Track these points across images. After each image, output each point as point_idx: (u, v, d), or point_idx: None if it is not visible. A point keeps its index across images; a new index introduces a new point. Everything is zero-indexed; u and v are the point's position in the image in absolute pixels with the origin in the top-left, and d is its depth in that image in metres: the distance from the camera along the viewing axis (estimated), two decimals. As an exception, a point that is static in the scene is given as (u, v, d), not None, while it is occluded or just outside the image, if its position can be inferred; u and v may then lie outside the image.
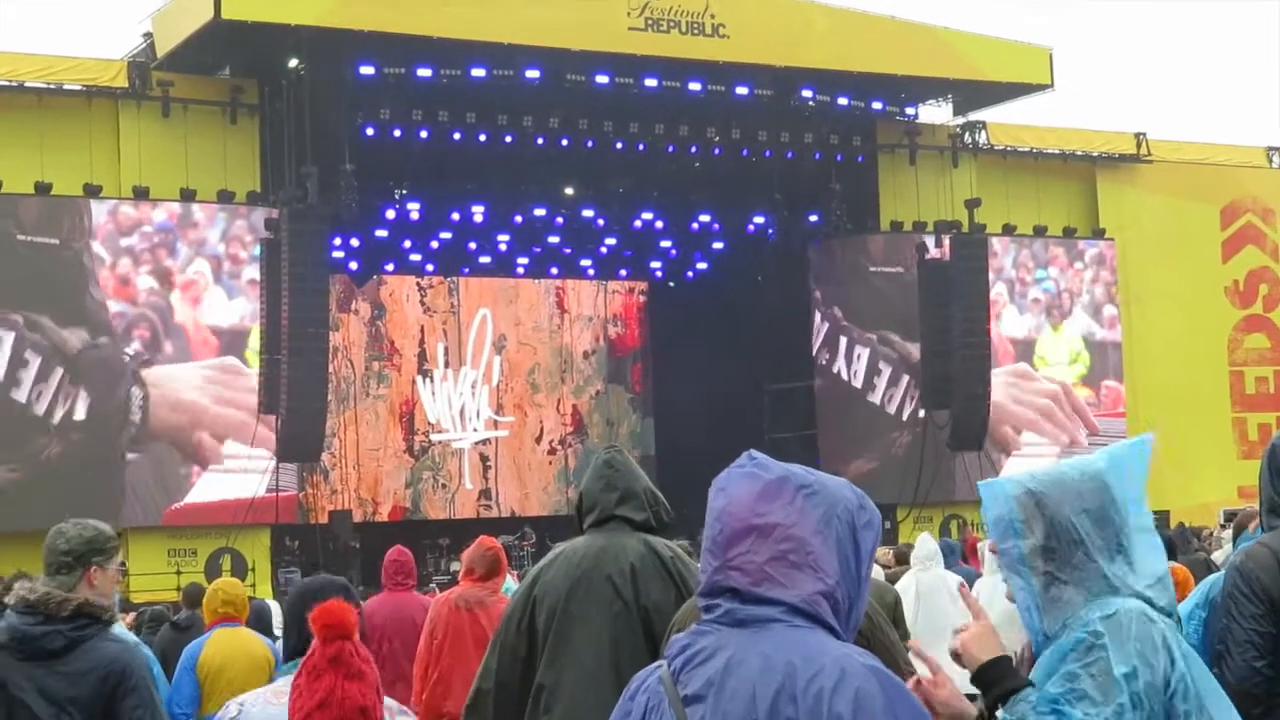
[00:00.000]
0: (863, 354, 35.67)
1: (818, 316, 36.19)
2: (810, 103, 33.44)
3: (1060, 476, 3.68)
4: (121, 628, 8.90)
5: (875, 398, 35.60)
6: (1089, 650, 3.52)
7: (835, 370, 35.98)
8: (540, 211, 35.73)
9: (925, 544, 13.56)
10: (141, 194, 29.63)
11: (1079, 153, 38.48)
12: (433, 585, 26.29)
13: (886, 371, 35.52)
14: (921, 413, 34.90)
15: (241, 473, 29.60)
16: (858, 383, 35.75)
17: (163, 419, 29.47)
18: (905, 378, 35.31)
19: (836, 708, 2.89)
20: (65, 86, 29.68)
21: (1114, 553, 3.63)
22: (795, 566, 2.99)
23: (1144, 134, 38.68)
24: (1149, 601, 3.60)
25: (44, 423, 28.56)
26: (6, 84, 29.16)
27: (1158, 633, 3.56)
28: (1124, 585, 3.60)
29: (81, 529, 5.92)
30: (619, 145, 33.10)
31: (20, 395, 28.39)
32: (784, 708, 2.89)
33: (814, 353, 36.22)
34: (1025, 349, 37.11)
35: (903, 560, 15.29)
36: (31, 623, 5.62)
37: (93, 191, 29.22)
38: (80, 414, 28.79)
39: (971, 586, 12.86)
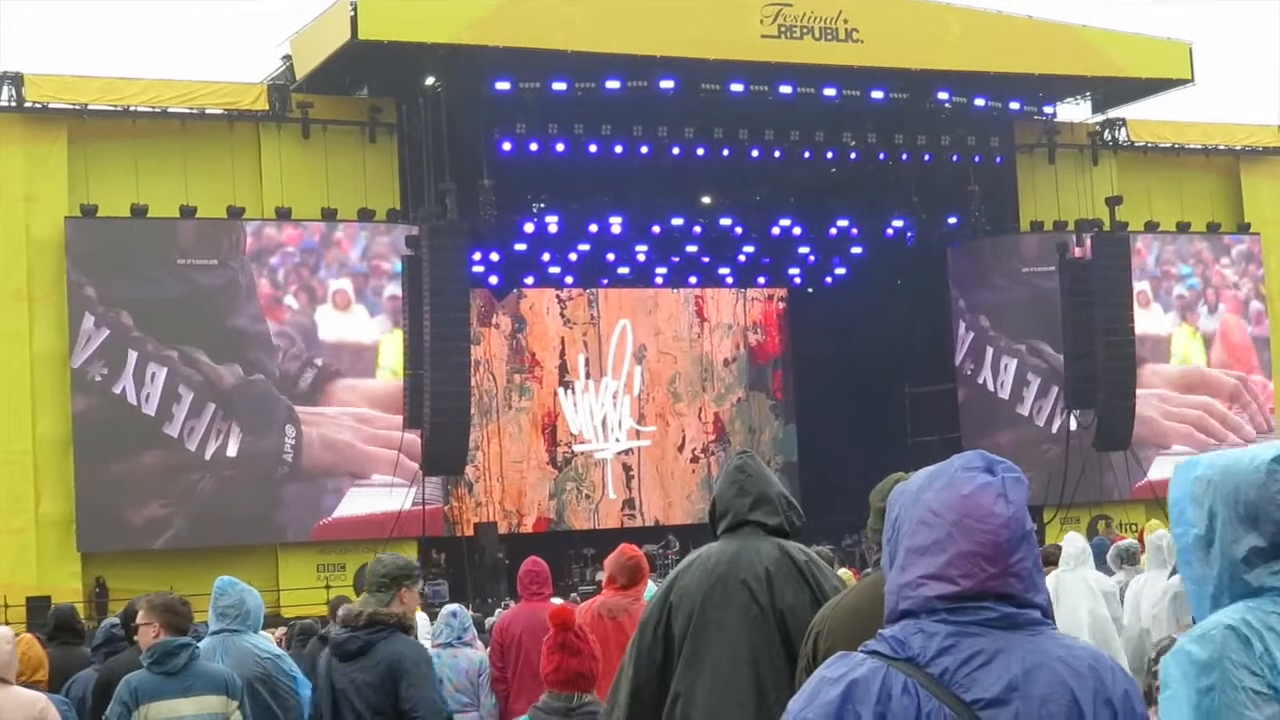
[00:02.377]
0: (1010, 364, 35.34)
1: (962, 326, 35.90)
2: (946, 105, 33.27)
3: (1232, 464, 3.31)
4: (261, 639, 9.05)
5: (1024, 409, 35.24)
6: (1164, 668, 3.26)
7: (981, 381, 35.67)
8: (678, 221, 35.81)
9: (1073, 543, 13.11)
10: (284, 214, 30.06)
11: (1221, 147, 37.93)
12: (575, 595, 26.39)
13: (1035, 382, 35.17)
14: (1073, 424, 34.48)
15: (388, 487, 29.91)
16: (1005, 394, 35.43)
17: (314, 459, 30.03)
18: (1054, 389, 34.92)
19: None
20: (207, 111, 30.16)
21: (1269, 555, 3.22)
22: (1038, 569, 3.05)
23: (1288, 126, 38.14)
24: None
25: (196, 459, 29.15)
26: (150, 110, 29.69)
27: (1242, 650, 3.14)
28: (1270, 586, 3.22)
29: (395, 559, 7.93)
30: (755, 153, 33.06)
31: (173, 430, 28.97)
32: (1103, 712, 2.94)
33: (958, 362, 35.95)
34: (1161, 346, 36.61)
35: (1048, 561, 15.11)
36: (342, 633, 7.69)
37: (236, 213, 29.69)
38: (233, 451, 29.37)
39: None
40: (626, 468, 37.44)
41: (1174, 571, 11.51)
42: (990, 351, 35.53)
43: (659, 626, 5.74)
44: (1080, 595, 12.35)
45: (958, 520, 3.02)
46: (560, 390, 36.91)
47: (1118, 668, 3.02)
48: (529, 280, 36.67)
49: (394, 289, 30.33)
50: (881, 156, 34.11)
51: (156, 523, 28.79)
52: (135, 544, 28.57)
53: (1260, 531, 3.21)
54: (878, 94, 32.47)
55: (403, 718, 7.58)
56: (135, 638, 8.27)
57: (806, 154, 33.44)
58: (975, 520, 3.01)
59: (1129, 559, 13.50)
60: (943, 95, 33.12)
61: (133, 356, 28.69)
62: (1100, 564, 14.62)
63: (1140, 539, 16.24)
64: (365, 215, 30.63)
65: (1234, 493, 3.25)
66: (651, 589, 10.90)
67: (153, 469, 28.76)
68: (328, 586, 27.95)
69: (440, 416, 29.06)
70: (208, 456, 29.13)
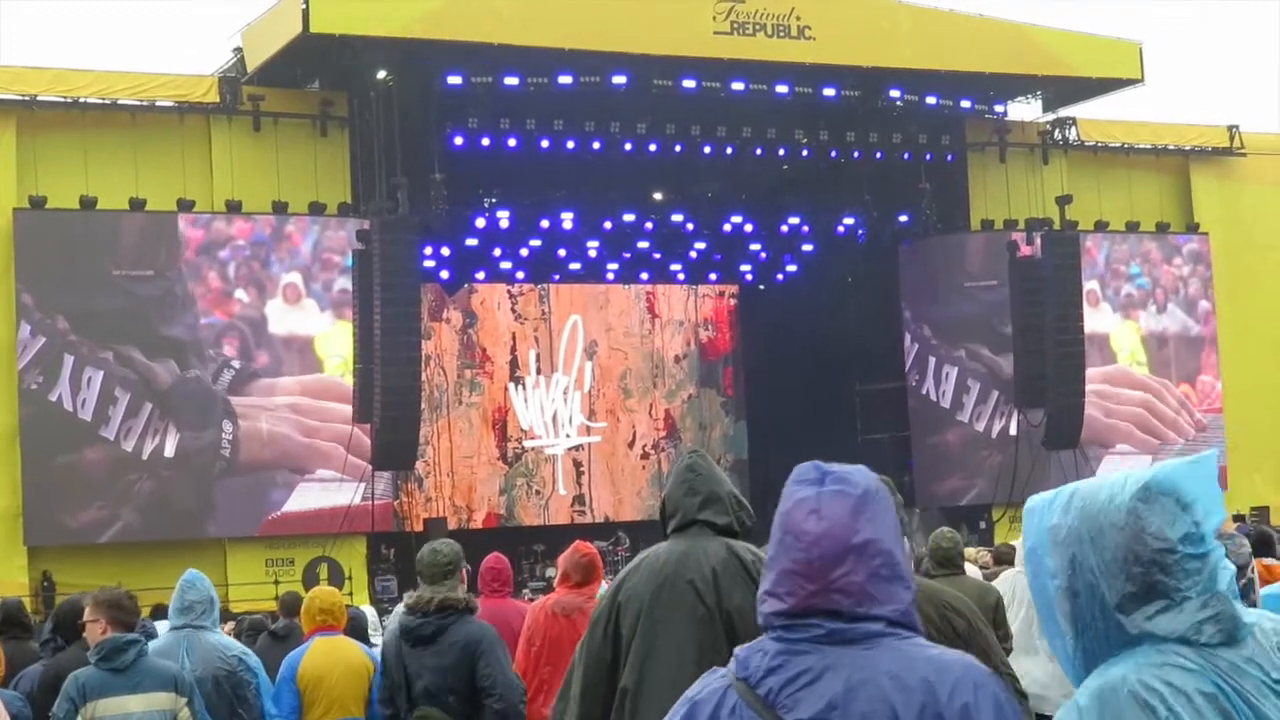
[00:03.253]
0: (951, 373, 35.45)
1: (907, 337, 36.01)
2: (898, 103, 33.31)
3: (1089, 504, 3.07)
4: (224, 636, 9.02)
5: (964, 415, 35.36)
6: None
7: (924, 391, 35.78)
8: (629, 217, 35.78)
9: None
10: (234, 208, 29.92)
11: (1171, 147, 38.10)
12: (526, 591, 26.39)
13: (975, 388, 35.27)
14: (1013, 429, 34.63)
15: (337, 482, 29.80)
16: (946, 402, 35.53)
17: (254, 454, 29.77)
18: (995, 393, 35.05)
19: None
20: (158, 103, 29.99)
21: (1142, 599, 3.02)
22: (888, 580, 2.96)
23: (1237, 126, 38.29)
24: (1187, 641, 2.99)
25: (134, 459, 28.86)
26: (100, 102, 29.49)
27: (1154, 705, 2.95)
28: (1149, 633, 3.02)
29: (449, 545, 8.31)
30: (707, 149, 33.10)
31: (109, 432, 28.70)
32: None
33: (905, 370, 36.03)
34: (1102, 344, 36.73)
35: (1001, 561, 15.15)
36: (412, 619, 8.04)
37: (186, 206, 29.53)
38: (170, 450, 29.09)
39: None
40: (577, 464, 37.42)
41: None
42: (933, 361, 35.63)
43: (608, 626, 5.76)
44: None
45: (780, 538, 3.01)
46: (511, 386, 36.85)
47: (967, 681, 2.92)
48: (480, 275, 36.60)
49: (345, 283, 30.20)
50: (833, 154, 34.19)
51: (101, 520, 28.61)
52: (82, 539, 28.39)
53: (1129, 576, 3.02)
54: (829, 91, 32.51)
55: (479, 695, 8.05)
56: (84, 635, 8.19)
57: (758, 151, 33.51)
58: (792, 537, 2.98)
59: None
60: (894, 93, 33.16)
61: (69, 361, 28.43)
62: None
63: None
64: (316, 209, 30.51)
65: (1098, 537, 3.04)
66: (604, 590, 10.89)
67: (92, 472, 28.52)
68: (276, 582, 27.80)
69: (390, 411, 28.94)
70: (145, 456, 28.90)
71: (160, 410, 29.02)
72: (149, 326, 29.06)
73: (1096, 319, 35.82)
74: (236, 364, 29.76)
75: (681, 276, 39.07)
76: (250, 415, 29.78)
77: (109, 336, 28.67)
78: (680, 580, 5.69)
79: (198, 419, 29.38)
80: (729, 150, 33.29)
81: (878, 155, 34.26)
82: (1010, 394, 34.67)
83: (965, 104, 34.47)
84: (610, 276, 38.23)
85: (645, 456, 38.32)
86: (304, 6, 28.09)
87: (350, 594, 26.94)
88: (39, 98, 29.06)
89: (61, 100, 29.26)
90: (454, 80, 29.98)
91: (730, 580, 5.64)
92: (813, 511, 2.98)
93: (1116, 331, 36.92)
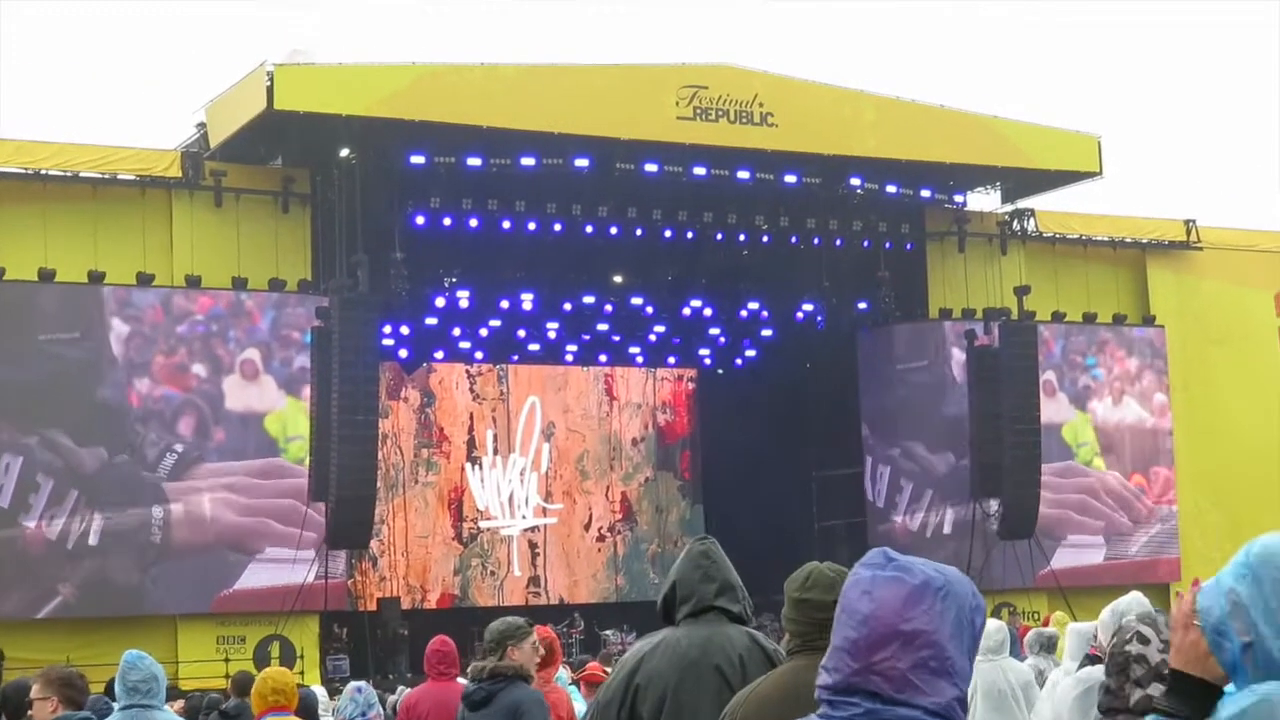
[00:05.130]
0: (884, 471, 35.58)
1: (864, 426, 36.17)
2: (859, 190, 33.50)
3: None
4: (172, 715, 8.94)
5: (897, 517, 35.42)
6: None
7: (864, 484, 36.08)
8: (589, 299, 35.85)
9: (994, 632, 12.43)
10: (194, 282, 29.83)
11: (1128, 240, 38.38)
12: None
13: (908, 489, 35.35)
14: (947, 528, 34.71)
15: (290, 560, 29.59)
16: (880, 502, 35.70)
17: (196, 534, 29.21)
18: (929, 492, 35.13)
19: None
20: (119, 176, 29.91)
21: None
22: (935, 674, 2.97)
23: (1194, 221, 38.57)
24: None
25: (58, 549, 28.18)
26: (61, 174, 29.44)
27: None
28: None
29: (502, 624, 9.06)
30: (668, 233, 33.22)
31: (30, 521, 28.08)
32: None
33: (862, 457, 36.18)
34: (1058, 435, 36.86)
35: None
36: (471, 685, 8.83)
37: (145, 280, 29.42)
38: (94, 539, 28.44)
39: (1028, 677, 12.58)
40: (532, 545, 37.29)
41: (1084, 663, 11.42)
42: (869, 460, 35.78)
43: (622, 709, 5.77)
44: (1007, 688, 12.09)
45: (839, 614, 3.05)
46: (468, 465, 36.75)
47: None
48: (439, 354, 36.58)
49: (303, 360, 30.12)
50: (793, 240, 34.32)
51: (41, 595, 28.19)
52: (27, 613, 28.07)
53: None
54: (791, 178, 32.66)
55: None
56: (30, 714, 8.09)
57: (719, 235, 33.62)
58: (846, 615, 3.02)
59: (1049, 647, 13.40)
60: (855, 181, 33.35)
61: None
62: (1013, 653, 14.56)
63: (1045, 626, 16.22)
64: (276, 285, 30.46)
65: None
66: (560, 675, 10.86)
67: (25, 554, 28.03)
68: (227, 659, 27.60)
69: (346, 490, 28.81)
70: (70, 545, 28.17)
71: (86, 497, 28.43)
72: (78, 394, 28.63)
73: (1052, 409, 35.93)
74: (180, 448, 29.37)
75: (640, 359, 39.10)
76: (192, 494, 29.37)
77: (33, 420, 28.20)
78: (706, 665, 5.71)
79: (126, 503, 28.75)
80: (689, 234, 33.40)
81: (838, 242, 34.40)
82: (943, 490, 34.76)
83: (925, 193, 34.70)
84: (569, 358, 38.25)
85: (601, 539, 38.22)
86: (268, 83, 28.14)
87: (302, 673, 26.73)
88: (-1, 169, 29.04)
89: (22, 172, 29.20)
90: (417, 160, 30.04)
91: (756, 668, 5.65)
92: (865, 593, 3.01)
93: (1072, 422, 37.03)
